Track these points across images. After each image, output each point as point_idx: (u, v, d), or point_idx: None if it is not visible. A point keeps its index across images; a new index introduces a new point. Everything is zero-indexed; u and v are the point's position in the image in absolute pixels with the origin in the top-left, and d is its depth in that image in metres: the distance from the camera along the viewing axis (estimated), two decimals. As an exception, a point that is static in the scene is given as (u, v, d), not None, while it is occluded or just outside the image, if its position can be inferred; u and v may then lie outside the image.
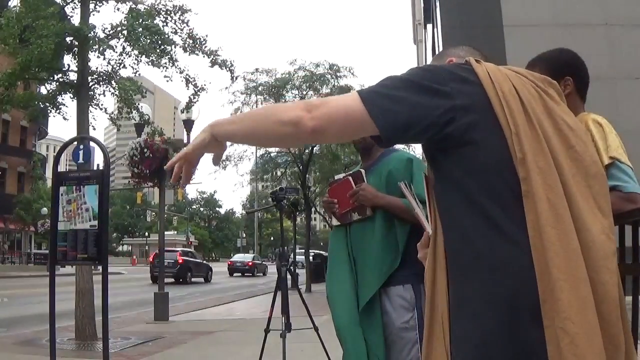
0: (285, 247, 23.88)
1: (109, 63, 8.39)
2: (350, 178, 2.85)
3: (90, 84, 8.34)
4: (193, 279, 26.68)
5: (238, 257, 40.88)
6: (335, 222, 2.97)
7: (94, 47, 8.06)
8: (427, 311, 1.32)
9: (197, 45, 8.61)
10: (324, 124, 1.22)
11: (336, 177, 3.04)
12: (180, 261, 25.98)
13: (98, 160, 30.40)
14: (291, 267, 11.49)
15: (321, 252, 31.76)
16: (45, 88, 9.68)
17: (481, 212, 1.18)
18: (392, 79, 1.27)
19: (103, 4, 8.42)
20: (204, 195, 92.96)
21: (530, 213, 1.15)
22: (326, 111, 1.22)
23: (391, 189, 2.75)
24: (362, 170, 2.89)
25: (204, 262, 31.94)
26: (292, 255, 23.20)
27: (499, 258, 1.15)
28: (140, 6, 8.35)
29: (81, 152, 7.65)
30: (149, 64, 8.59)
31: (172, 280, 24.90)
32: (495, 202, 1.18)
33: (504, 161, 1.20)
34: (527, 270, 1.13)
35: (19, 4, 8.61)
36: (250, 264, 36.78)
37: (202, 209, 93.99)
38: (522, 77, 1.32)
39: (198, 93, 9.05)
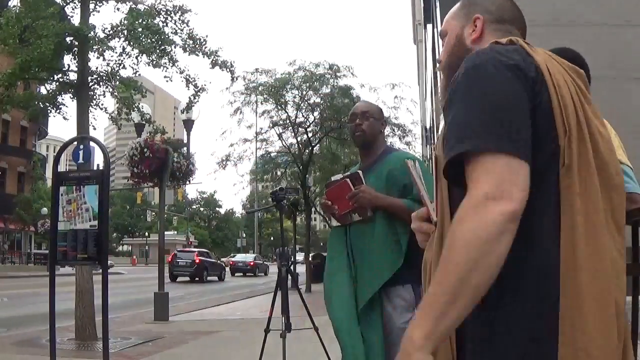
0: (286, 247, 23.94)
1: (108, 64, 8.40)
2: (348, 180, 2.83)
3: (90, 84, 8.34)
4: (209, 278, 28.37)
5: (240, 257, 41.18)
6: (334, 222, 2.96)
7: (94, 47, 8.06)
8: None
9: (197, 46, 8.60)
10: (523, 193, 1.05)
11: (333, 178, 3.03)
12: (198, 261, 27.69)
13: (98, 160, 30.46)
14: (291, 267, 11.49)
15: (322, 252, 31.79)
16: (45, 88, 9.67)
17: None
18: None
19: (103, 4, 8.41)
20: (204, 195, 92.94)
21: (566, 226, 1.08)
22: (508, 183, 1.04)
23: (391, 188, 2.75)
24: (360, 172, 2.87)
25: (218, 261, 33.53)
26: (292, 255, 23.23)
27: (521, 263, 1.08)
28: (140, 6, 8.35)
29: (81, 152, 7.65)
30: (149, 64, 8.59)
31: (188, 278, 27.40)
32: (529, 206, 1.07)
33: (546, 163, 1.12)
34: (553, 283, 1.07)
35: (18, 4, 8.61)
36: (251, 263, 37.26)
37: (202, 209, 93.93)
38: (563, 68, 1.22)
39: (198, 93, 9.04)
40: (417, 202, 2.50)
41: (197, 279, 27.42)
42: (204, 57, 8.70)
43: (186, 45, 8.58)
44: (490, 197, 1.02)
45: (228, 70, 8.97)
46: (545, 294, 1.07)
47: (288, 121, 20.62)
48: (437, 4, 14.38)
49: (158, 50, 8.26)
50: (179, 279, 27.49)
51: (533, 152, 1.09)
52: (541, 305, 1.07)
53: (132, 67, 8.70)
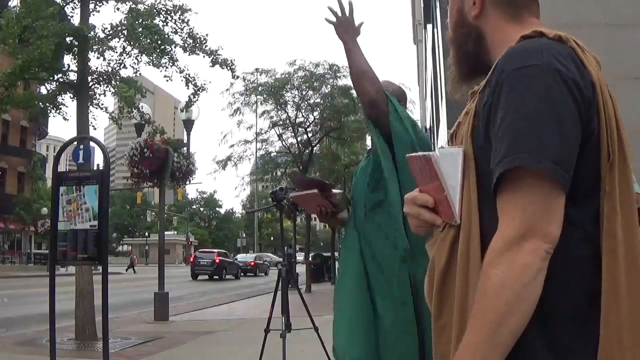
0: (291, 248, 23.86)
1: (108, 64, 8.40)
2: (316, 190, 2.64)
3: (90, 84, 8.34)
4: (227, 276, 30.86)
5: (240, 257, 41.51)
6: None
7: (94, 47, 8.06)
8: (457, 313, 1.12)
9: (197, 45, 8.61)
10: (558, 229, 1.00)
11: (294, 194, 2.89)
12: (218, 261, 30.44)
13: (98, 160, 30.54)
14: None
15: (322, 252, 31.84)
16: (45, 88, 9.68)
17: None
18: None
19: (103, 4, 8.42)
20: (204, 195, 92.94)
21: (609, 259, 1.02)
22: (544, 220, 0.99)
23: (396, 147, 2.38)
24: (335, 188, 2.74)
25: (235, 261, 35.24)
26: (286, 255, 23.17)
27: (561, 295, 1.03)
28: (140, 6, 8.35)
29: (81, 152, 7.65)
30: (149, 64, 8.60)
31: (207, 277, 29.68)
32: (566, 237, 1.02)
33: (587, 190, 1.05)
34: (592, 314, 1.02)
35: (18, 4, 8.61)
36: (252, 263, 37.81)
37: (202, 209, 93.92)
38: (600, 71, 1.11)
39: (198, 92, 9.05)
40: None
41: (216, 277, 29.66)
42: (204, 56, 8.72)
43: (186, 45, 8.59)
44: (524, 237, 0.98)
45: (228, 68, 8.97)
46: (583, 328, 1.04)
47: (288, 121, 20.63)
48: (437, 4, 14.38)
49: (158, 50, 8.26)
50: (200, 277, 29.98)
51: (575, 180, 1.02)
52: (580, 339, 1.03)
53: (132, 67, 8.72)
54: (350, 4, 2.49)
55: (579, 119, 1.02)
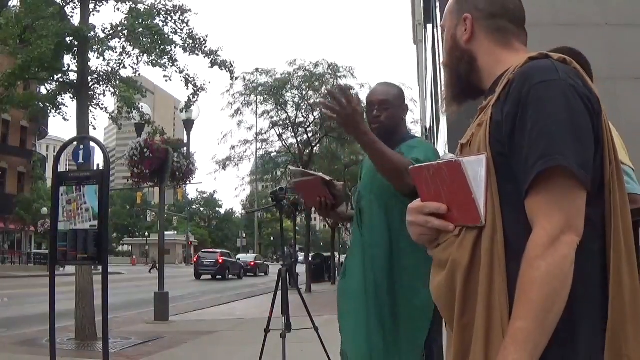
0: (291, 248, 23.86)
1: (108, 64, 8.40)
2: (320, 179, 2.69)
3: (90, 84, 8.34)
4: (229, 276, 31.44)
5: (241, 257, 41.63)
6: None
7: (94, 47, 8.06)
8: (483, 310, 1.18)
9: (197, 45, 8.61)
10: (583, 225, 1.14)
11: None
12: (221, 261, 30.95)
13: (98, 160, 30.65)
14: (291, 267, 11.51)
15: (322, 252, 31.86)
16: (45, 88, 9.68)
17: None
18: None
19: (103, 4, 8.41)
20: (204, 195, 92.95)
21: (616, 257, 1.16)
22: (577, 217, 1.14)
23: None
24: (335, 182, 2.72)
25: (238, 261, 35.59)
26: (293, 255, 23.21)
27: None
28: (140, 6, 8.35)
29: (81, 152, 7.65)
30: (149, 64, 8.59)
31: (210, 277, 30.18)
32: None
33: (593, 195, 1.18)
34: (601, 314, 1.16)
35: (18, 4, 8.61)
36: (252, 263, 37.98)
37: (202, 209, 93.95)
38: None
39: (198, 93, 9.05)
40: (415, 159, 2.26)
41: (219, 277, 30.15)
42: (204, 56, 8.72)
43: (186, 45, 8.59)
44: (563, 232, 1.11)
45: (227, 70, 8.97)
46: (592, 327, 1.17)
47: (288, 121, 20.64)
48: (437, 4, 14.37)
49: (158, 50, 8.27)
50: (203, 277, 30.38)
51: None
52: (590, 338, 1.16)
53: (132, 67, 8.72)
54: (356, 95, 2.24)
55: (593, 128, 1.16)
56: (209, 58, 8.73)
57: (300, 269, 24.09)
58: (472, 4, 1.39)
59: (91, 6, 8.28)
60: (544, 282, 1.09)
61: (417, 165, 1.38)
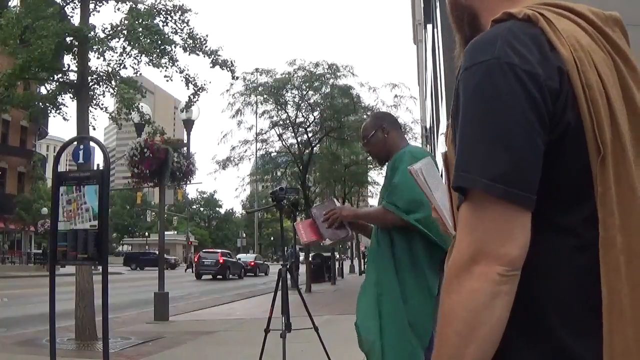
0: (295, 248, 23.85)
1: (108, 64, 8.40)
2: (311, 217, 3.04)
3: (90, 84, 8.34)
4: (230, 276, 31.40)
5: (241, 257, 41.69)
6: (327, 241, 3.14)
7: (94, 47, 8.06)
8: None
9: (197, 45, 8.61)
10: (517, 247, 0.88)
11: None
12: (221, 261, 31.02)
13: (98, 160, 30.65)
14: (291, 267, 11.50)
15: (321, 252, 31.87)
16: (45, 88, 9.68)
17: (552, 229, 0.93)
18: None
19: (103, 4, 8.42)
20: (204, 195, 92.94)
21: (608, 268, 0.89)
22: (497, 240, 0.87)
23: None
24: (333, 198, 3.18)
25: (239, 261, 35.67)
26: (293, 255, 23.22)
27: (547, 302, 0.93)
28: (140, 6, 8.35)
29: (81, 152, 7.64)
30: (149, 64, 8.59)
31: (210, 277, 30.30)
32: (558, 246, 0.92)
33: (578, 192, 0.92)
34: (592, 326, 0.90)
35: (18, 4, 8.61)
36: (252, 263, 38.05)
37: (202, 209, 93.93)
38: (592, 34, 0.97)
39: (198, 93, 9.05)
40: (393, 204, 2.69)
41: (220, 277, 30.20)
42: (204, 56, 8.71)
43: (186, 45, 8.58)
44: (475, 260, 0.88)
45: (228, 69, 8.97)
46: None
47: (288, 121, 20.62)
48: (437, 4, 14.37)
49: (158, 50, 8.26)
50: (204, 277, 30.55)
51: (558, 181, 0.92)
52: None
53: (132, 67, 8.71)
54: (331, 199, 3.15)
55: (538, 117, 0.89)
56: (209, 58, 8.73)
57: (301, 269, 24.09)
58: None
59: (91, 6, 8.28)
60: (446, 323, 0.90)
61: (409, 167, 1.38)
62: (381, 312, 2.63)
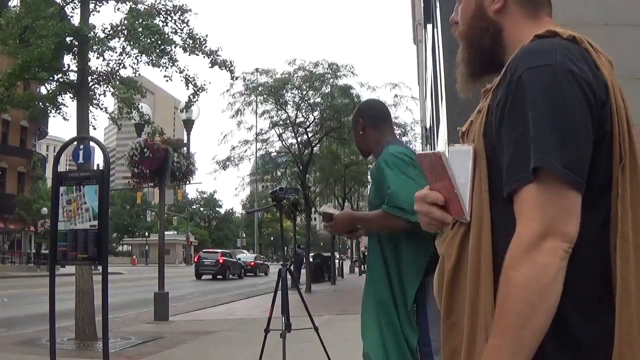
0: (299, 248, 23.92)
1: (108, 64, 8.40)
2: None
3: (90, 84, 8.34)
4: (230, 276, 31.41)
5: (242, 257, 41.75)
6: None
7: (94, 47, 8.07)
8: (469, 310, 1.11)
9: (197, 45, 8.61)
10: (576, 228, 1.01)
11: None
12: (221, 261, 31.01)
13: (98, 160, 30.65)
14: (291, 267, 11.50)
15: (322, 252, 31.89)
16: (45, 88, 9.67)
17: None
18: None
19: (103, 4, 8.41)
20: (204, 195, 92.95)
21: (621, 259, 1.02)
22: (562, 219, 0.99)
23: (377, 191, 2.67)
24: (330, 205, 3.10)
25: (239, 261, 35.60)
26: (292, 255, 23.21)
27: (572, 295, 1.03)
28: (140, 6, 8.35)
29: (81, 152, 7.64)
30: (148, 64, 8.60)
31: (210, 277, 30.25)
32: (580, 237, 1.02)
33: (599, 192, 1.05)
34: (606, 314, 1.03)
35: (19, 4, 8.61)
36: (252, 263, 38.12)
37: (202, 209, 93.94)
38: (611, 64, 1.13)
39: (198, 93, 9.06)
40: (398, 207, 2.50)
41: (220, 277, 30.15)
42: (204, 56, 8.71)
43: (186, 45, 8.59)
44: (542, 237, 0.98)
45: (228, 69, 8.97)
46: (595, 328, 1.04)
47: (288, 121, 20.62)
48: (437, 4, 14.36)
49: (158, 50, 8.27)
50: (204, 277, 30.42)
51: (588, 180, 1.02)
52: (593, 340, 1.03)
53: (132, 67, 8.72)
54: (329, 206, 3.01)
55: (592, 120, 1.02)
56: (209, 58, 8.74)
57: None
58: None
59: (91, 6, 8.28)
60: (517, 296, 0.97)
61: (419, 153, 1.37)
62: (384, 337, 2.54)
